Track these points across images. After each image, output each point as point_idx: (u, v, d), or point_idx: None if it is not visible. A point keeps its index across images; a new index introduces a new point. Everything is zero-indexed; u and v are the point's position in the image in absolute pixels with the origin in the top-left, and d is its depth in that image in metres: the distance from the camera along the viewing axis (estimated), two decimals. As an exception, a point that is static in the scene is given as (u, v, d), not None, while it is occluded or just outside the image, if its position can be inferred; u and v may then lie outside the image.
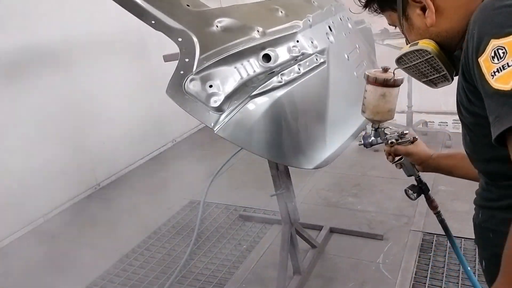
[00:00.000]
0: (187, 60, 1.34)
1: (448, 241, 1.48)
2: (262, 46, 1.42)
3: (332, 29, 1.78)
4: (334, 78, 1.60)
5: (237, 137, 1.29)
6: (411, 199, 1.39)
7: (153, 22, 1.37)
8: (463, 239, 2.53)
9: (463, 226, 2.65)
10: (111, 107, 3.78)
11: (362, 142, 1.41)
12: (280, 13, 1.57)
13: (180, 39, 1.37)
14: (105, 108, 3.73)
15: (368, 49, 2.31)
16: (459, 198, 2.93)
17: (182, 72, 1.34)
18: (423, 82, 1.06)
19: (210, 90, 1.32)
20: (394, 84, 1.25)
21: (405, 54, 1.00)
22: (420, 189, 1.39)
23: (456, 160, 1.25)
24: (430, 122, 4.42)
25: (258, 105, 1.32)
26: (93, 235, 3.02)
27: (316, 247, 2.52)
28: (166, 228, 3.02)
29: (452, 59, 0.97)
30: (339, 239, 2.71)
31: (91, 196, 3.61)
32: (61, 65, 3.36)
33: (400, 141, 1.33)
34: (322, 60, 1.51)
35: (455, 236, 2.70)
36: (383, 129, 1.36)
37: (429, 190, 1.41)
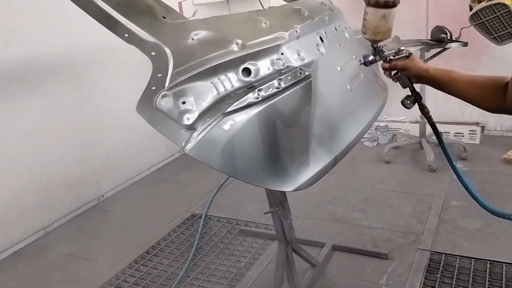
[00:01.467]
0: (159, 75, 1.28)
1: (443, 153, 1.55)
2: (242, 60, 1.33)
3: (324, 39, 1.68)
4: (322, 92, 1.50)
5: (208, 158, 1.20)
6: (407, 108, 1.46)
7: (126, 35, 1.31)
8: (473, 259, 2.37)
9: (474, 246, 2.49)
10: (116, 118, 3.75)
11: (362, 61, 1.50)
12: (263, 24, 1.48)
13: (153, 53, 1.30)
14: (110, 119, 3.71)
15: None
16: (470, 215, 2.77)
17: (154, 88, 1.27)
18: (490, 39, 1.25)
19: (183, 107, 1.24)
20: (393, 4, 1.41)
21: (482, 9, 1.19)
22: (415, 98, 1.46)
23: (454, 77, 1.35)
24: (445, 132, 4.23)
25: (231, 123, 1.23)
26: (92, 248, 2.98)
27: (316, 266, 2.41)
28: (165, 242, 2.95)
29: None
30: (341, 257, 2.59)
31: (95, 208, 3.58)
32: (65, 76, 3.35)
33: (397, 57, 1.41)
34: (306, 74, 1.41)
35: (464, 256, 2.54)
36: (381, 47, 1.45)
37: (421, 98, 1.49)
